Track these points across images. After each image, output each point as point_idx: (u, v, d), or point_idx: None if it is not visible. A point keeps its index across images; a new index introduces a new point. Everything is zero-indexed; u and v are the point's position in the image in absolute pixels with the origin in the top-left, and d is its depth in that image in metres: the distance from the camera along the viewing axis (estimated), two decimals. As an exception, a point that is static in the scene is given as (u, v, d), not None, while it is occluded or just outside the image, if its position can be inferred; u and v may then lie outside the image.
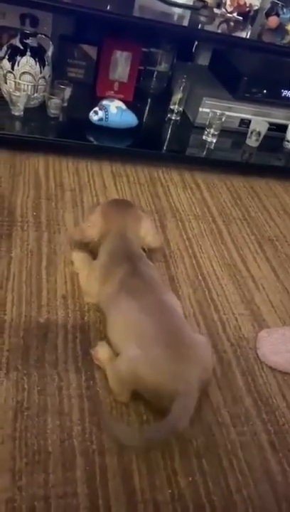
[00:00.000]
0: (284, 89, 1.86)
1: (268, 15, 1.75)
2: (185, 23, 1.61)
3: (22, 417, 0.86)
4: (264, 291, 1.30)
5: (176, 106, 1.85)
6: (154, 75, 2.00)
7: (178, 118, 1.88)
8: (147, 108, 1.95)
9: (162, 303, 0.98)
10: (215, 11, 1.70)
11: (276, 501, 0.84)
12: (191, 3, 1.67)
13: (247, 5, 1.69)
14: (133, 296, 0.96)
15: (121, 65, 1.83)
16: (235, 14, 1.69)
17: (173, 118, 1.87)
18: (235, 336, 1.14)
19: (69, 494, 0.77)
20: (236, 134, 1.89)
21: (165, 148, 1.74)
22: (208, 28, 1.62)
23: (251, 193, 1.73)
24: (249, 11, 1.71)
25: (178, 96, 1.83)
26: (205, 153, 1.76)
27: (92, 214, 1.16)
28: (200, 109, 1.82)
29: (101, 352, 0.97)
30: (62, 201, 1.41)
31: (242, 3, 1.67)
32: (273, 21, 1.72)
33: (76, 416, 0.88)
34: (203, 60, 2.14)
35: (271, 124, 1.84)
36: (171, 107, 1.86)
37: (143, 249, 1.13)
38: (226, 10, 1.68)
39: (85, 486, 0.79)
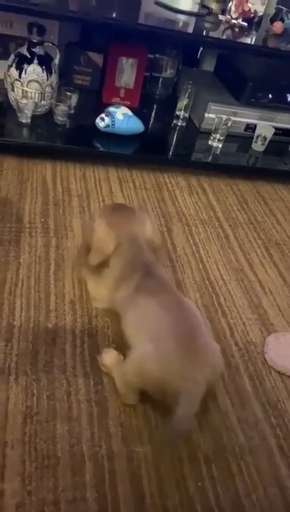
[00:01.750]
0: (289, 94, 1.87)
1: (273, 21, 1.76)
2: (191, 29, 1.63)
3: (31, 422, 0.86)
4: (272, 296, 1.30)
5: (182, 112, 1.86)
6: (160, 81, 2.02)
7: (184, 124, 1.89)
8: (153, 114, 1.96)
9: (181, 302, 0.97)
10: (220, 17, 1.71)
11: (284, 506, 0.84)
12: (196, 10, 1.68)
13: (252, 11, 1.70)
14: (150, 294, 0.95)
15: (127, 72, 1.84)
16: (240, 20, 1.70)
17: (179, 124, 1.88)
18: (243, 341, 1.14)
19: (78, 499, 0.78)
20: (242, 138, 1.89)
21: (171, 153, 1.75)
22: (214, 34, 1.63)
23: (257, 197, 1.74)
24: (254, 17, 1.72)
25: (183, 102, 1.84)
26: (211, 158, 1.77)
27: (98, 228, 1.04)
28: (206, 115, 1.83)
29: (107, 358, 0.98)
30: (70, 207, 1.42)
31: (246, 9, 1.68)
32: (278, 27, 1.73)
33: (85, 421, 0.89)
34: (208, 65, 2.15)
35: (276, 128, 1.84)
36: (177, 112, 1.87)
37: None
38: (231, 16, 1.69)
39: (94, 491, 0.79)
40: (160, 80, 2.01)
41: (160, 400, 0.89)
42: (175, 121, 1.88)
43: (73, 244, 1.28)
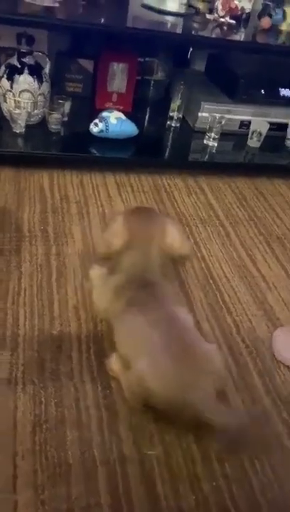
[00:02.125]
0: (282, 88, 1.87)
1: (260, 16, 1.76)
2: (180, 30, 1.63)
3: (41, 430, 0.85)
4: (276, 290, 1.29)
5: (175, 112, 1.86)
6: (151, 84, 2.02)
7: (178, 124, 1.88)
8: (147, 117, 1.96)
9: (171, 316, 0.94)
10: (208, 16, 1.72)
11: (302, 502, 0.83)
12: (183, 10, 1.68)
13: (239, 8, 1.70)
14: (140, 309, 0.93)
15: (118, 77, 1.85)
16: (228, 18, 1.70)
17: (173, 125, 1.88)
18: (250, 337, 1.13)
19: (92, 505, 0.77)
20: (237, 136, 1.89)
21: (167, 155, 1.75)
22: (203, 33, 1.64)
23: (256, 193, 1.73)
24: (242, 14, 1.73)
25: (176, 103, 1.84)
26: (207, 157, 1.76)
27: (114, 223, 1.04)
28: (200, 114, 1.83)
29: (114, 363, 0.97)
30: (69, 214, 1.42)
31: (233, 6, 1.68)
32: (266, 22, 1.73)
33: (94, 426, 0.88)
34: (199, 65, 2.15)
35: (271, 123, 1.84)
36: (171, 114, 1.87)
37: (171, 258, 1.05)
38: (218, 15, 1.70)
39: (109, 496, 0.78)
40: (152, 82, 2.01)
41: (172, 415, 0.87)
42: (169, 123, 1.88)
43: (74, 250, 1.28)
